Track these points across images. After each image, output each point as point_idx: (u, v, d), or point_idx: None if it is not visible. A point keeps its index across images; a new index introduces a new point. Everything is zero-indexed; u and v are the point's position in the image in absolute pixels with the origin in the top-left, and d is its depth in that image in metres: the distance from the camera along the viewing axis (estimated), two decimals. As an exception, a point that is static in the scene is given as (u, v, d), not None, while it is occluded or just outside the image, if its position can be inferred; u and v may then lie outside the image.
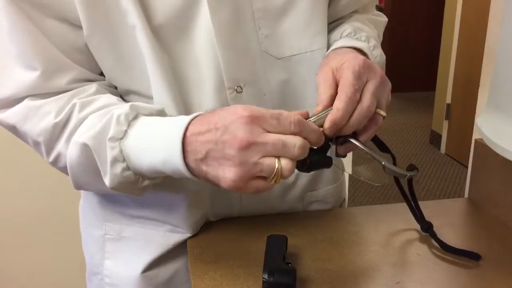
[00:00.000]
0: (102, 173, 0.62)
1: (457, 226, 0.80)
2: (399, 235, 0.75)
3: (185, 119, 0.58)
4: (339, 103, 0.58)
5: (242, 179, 0.53)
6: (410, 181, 0.71)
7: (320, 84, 0.62)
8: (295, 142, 0.53)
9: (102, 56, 0.66)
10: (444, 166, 3.43)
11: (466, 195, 0.90)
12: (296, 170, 0.57)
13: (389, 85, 0.64)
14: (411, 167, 0.69)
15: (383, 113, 0.62)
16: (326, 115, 0.58)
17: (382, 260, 0.69)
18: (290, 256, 0.69)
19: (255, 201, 0.77)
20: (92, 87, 0.67)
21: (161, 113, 0.64)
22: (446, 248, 0.71)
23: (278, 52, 0.71)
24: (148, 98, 0.67)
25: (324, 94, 0.60)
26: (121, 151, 0.60)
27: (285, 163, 0.53)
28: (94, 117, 0.63)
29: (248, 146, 0.52)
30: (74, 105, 0.64)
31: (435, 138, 3.77)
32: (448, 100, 3.56)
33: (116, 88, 0.70)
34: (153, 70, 0.65)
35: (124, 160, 0.60)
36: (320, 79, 0.62)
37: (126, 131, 0.60)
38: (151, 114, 0.63)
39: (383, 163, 0.62)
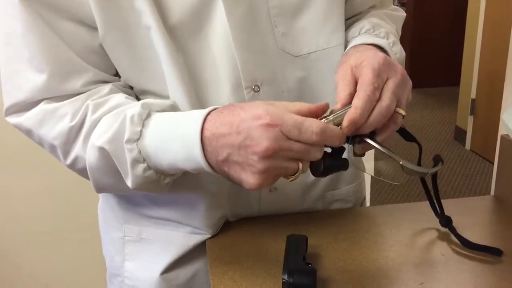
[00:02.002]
0: (123, 175, 0.62)
1: (482, 224, 0.78)
2: (422, 235, 0.74)
3: (200, 116, 0.57)
4: (358, 102, 0.57)
5: (265, 183, 0.55)
6: (434, 175, 0.69)
7: (338, 82, 0.61)
8: (316, 150, 0.55)
9: (118, 57, 0.66)
10: (469, 163, 3.36)
11: (492, 192, 0.88)
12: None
13: (409, 83, 0.62)
14: (437, 159, 0.67)
15: (402, 112, 0.60)
16: (345, 113, 0.57)
17: (405, 260, 0.67)
18: (310, 256, 0.68)
19: (274, 201, 0.76)
20: (106, 87, 0.67)
21: (173, 108, 0.64)
22: (466, 244, 0.69)
23: (295, 50, 0.70)
24: (165, 98, 0.67)
25: (343, 92, 0.59)
26: (139, 152, 0.60)
27: (305, 166, 0.55)
28: (108, 119, 0.63)
29: (273, 154, 0.53)
30: (87, 107, 0.64)
31: (460, 134, 3.69)
32: (473, 95, 3.49)
33: (132, 88, 0.70)
34: (169, 70, 0.64)
35: (144, 161, 0.60)
36: (339, 77, 0.61)
37: (141, 131, 0.60)
38: (163, 110, 0.63)
39: (401, 163, 0.60)
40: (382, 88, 0.59)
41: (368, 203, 0.90)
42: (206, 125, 0.57)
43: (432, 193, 0.72)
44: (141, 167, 0.60)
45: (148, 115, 0.61)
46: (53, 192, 1.72)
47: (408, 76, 0.62)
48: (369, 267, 0.66)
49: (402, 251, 0.69)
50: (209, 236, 0.73)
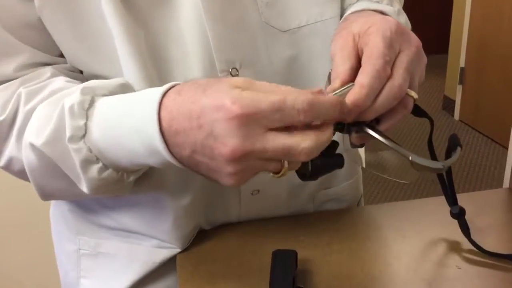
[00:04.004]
0: (74, 180, 0.49)
1: (496, 224, 0.67)
2: (432, 241, 0.62)
3: (154, 101, 0.44)
4: (364, 78, 0.44)
5: (242, 182, 0.43)
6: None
7: (336, 53, 0.48)
8: (299, 145, 0.40)
9: (60, 33, 0.53)
10: (458, 134, 3.28)
11: (505, 185, 0.77)
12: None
13: (424, 59, 0.50)
14: (453, 139, 0.55)
15: (414, 94, 0.48)
16: (345, 92, 0.45)
17: (413, 276, 0.56)
18: (301, 275, 0.56)
19: (257, 205, 0.64)
20: (46, 72, 0.54)
21: (124, 87, 0.51)
22: (478, 247, 0.59)
23: (283, 24, 0.57)
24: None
25: (343, 65, 0.46)
26: (89, 150, 0.47)
27: (293, 164, 0.43)
28: (42, 111, 0.50)
29: (243, 156, 0.40)
30: (19, 96, 0.51)
31: (448, 104, 3.60)
32: (462, 63, 3.38)
33: (81, 72, 0.57)
34: (124, 51, 0.51)
35: (97, 160, 0.48)
36: (337, 47, 0.48)
37: (86, 125, 0.47)
38: (111, 93, 0.50)
39: (410, 158, 0.47)
40: (394, 63, 0.46)
41: (363, 203, 0.78)
42: (162, 114, 0.43)
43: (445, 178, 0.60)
44: (95, 168, 0.48)
45: (92, 103, 0.48)
46: (24, 184, 1.58)
47: (423, 50, 0.49)
48: (371, 286, 0.55)
49: (410, 264, 0.58)
50: (179, 250, 0.61)
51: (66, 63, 0.56)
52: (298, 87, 0.59)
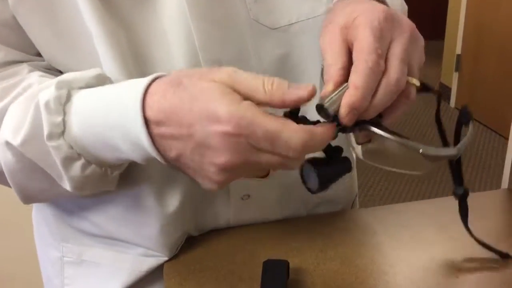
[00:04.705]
0: (56, 178, 0.47)
1: (496, 227, 0.65)
2: (430, 248, 0.60)
3: (136, 100, 0.41)
4: (358, 79, 0.41)
5: (224, 186, 0.43)
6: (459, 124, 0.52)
7: (326, 50, 0.45)
8: (295, 163, 0.41)
9: (35, 31, 0.50)
10: (454, 121, 3.22)
11: (505, 185, 0.75)
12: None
13: (420, 41, 0.46)
14: (464, 111, 0.51)
15: (415, 81, 0.45)
16: (341, 95, 0.42)
17: (411, 285, 0.54)
18: (293, 286, 0.54)
19: (247, 210, 0.61)
20: (22, 70, 0.51)
21: (100, 79, 0.48)
22: (471, 234, 0.57)
23: (272, 21, 0.54)
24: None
25: (334, 65, 0.43)
26: (70, 147, 0.45)
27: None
28: (17, 107, 0.47)
29: (234, 168, 0.40)
30: None
31: (444, 91, 3.58)
32: (458, 50, 3.36)
33: (60, 72, 0.54)
34: (104, 50, 0.49)
35: (79, 156, 0.46)
36: (325, 44, 0.45)
37: (64, 120, 0.45)
38: (87, 85, 0.47)
39: (421, 151, 0.43)
40: (387, 55, 0.43)
41: (358, 204, 0.76)
42: (147, 114, 0.41)
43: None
44: (77, 165, 0.46)
45: (68, 97, 0.46)
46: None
47: (418, 32, 0.46)
48: (367, 297, 0.52)
49: (407, 273, 0.56)
50: (166, 258, 0.58)
51: (43, 61, 0.53)
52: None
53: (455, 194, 0.56)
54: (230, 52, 0.52)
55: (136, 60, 0.50)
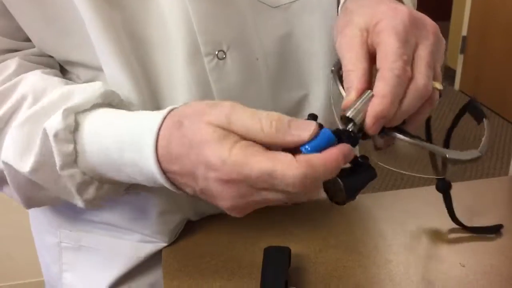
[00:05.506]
0: (70, 200, 0.47)
1: (498, 216, 0.63)
2: (434, 236, 0.59)
3: (151, 137, 0.41)
4: (385, 88, 0.39)
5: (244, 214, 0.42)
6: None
7: (344, 54, 0.42)
8: (303, 197, 0.39)
9: (24, 17, 0.48)
10: (458, 105, 3.22)
11: (510, 172, 0.73)
12: None
13: (443, 43, 0.44)
14: (472, 106, 0.51)
15: (438, 85, 0.43)
16: (365, 103, 0.40)
17: (415, 274, 0.53)
18: (295, 273, 0.53)
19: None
20: (12, 64, 0.49)
21: (105, 96, 0.46)
22: (459, 224, 0.57)
23: None
24: (98, 70, 0.49)
25: (355, 71, 0.41)
26: (83, 173, 0.44)
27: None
28: (18, 132, 0.45)
29: (241, 209, 0.40)
30: None
31: (449, 74, 3.53)
32: (464, 32, 3.30)
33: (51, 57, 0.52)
34: (98, 34, 0.46)
35: (93, 180, 0.45)
36: (343, 47, 0.43)
37: (74, 149, 0.44)
38: (94, 107, 0.45)
39: (447, 156, 0.42)
40: (413, 60, 0.41)
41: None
42: (159, 151, 0.41)
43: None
44: (92, 188, 0.45)
45: (77, 126, 0.44)
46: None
47: (440, 33, 0.44)
48: (370, 285, 0.51)
49: (411, 260, 0.55)
50: (165, 244, 0.57)
51: (33, 47, 0.51)
52: (292, 73, 0.55)
53: (436, 187, 0.57)
54: (230, 34, 0.50)
55: (132, 46, 0.48)
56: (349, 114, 0.40)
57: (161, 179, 0.41)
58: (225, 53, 0.50)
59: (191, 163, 0.38)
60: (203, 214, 0.60)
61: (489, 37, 3.05)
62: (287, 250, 0.51)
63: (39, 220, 0.64)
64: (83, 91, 0.46)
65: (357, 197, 0.44)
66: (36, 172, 0.44)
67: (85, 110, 0.45)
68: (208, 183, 0.38)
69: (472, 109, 0.52)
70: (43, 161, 0.44)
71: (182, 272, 0.54)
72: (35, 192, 0.48)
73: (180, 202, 0.56)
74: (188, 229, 0.60)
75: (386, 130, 0.42)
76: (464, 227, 0.58)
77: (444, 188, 0.57)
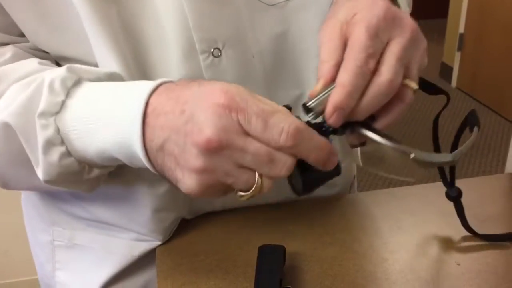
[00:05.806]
0: (32, 162, 0.45)
1: (498, 212, 0.63)
2: (430, 234, 0.59)
3: (147, 85, 0.41)
4: (344, 77, 0.40)
5: (205, 190, 0.39)
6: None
7: (322, 46, 0.43)
8: (285, 160, 0.38)
9: (17, 12, 0.47)
10: (455, 102, 3.23)
11: (509, 169, 0.73)
12: None
13: (423, 43, 0.44)
14: (472, 115, 0.50)
15: (413, 85, 0.43)
16: (330, 94, 0.40)
17: (410, 273, 0.52)
18: (290, 272, 0.52)
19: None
20: (7, 51, 0.49)
21: (113, 77, 0.46)
22: (473, 232, 0.56)
23: None
24: (93, 66, 0.49)
25: (328, 61, 0.41)
26: (57, 130, 0.43)
27: (267, 183, 0.39)
28: (16, 88, 0.45)
29: (217, 149, 0.37)
30: None
31: (446, 71, 3.53)
32: (461, 29, 3.30)
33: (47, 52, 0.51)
34: (94, 31, 0.46)
35: (62, 143, 0.43)
36: (323, 39, 0.43)
37: (63, 102, 0.43)
38: (98, 79, 0.45)
39: (412, 156, 0.42)
40: (382, 54, 0.41)
41: (356, 187, 0.74)
42: (151, 99, 0.40)
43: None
44: (56, 151, 0.44)
45: (77, 83, 0.44)
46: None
47: (421, 33, 0.44)
48: (365, 284, 0.51)
49: (406, 260, 0.54)
50: (159, 243, 0.57)
51: (28, 41, 0.51)
52: (288, 71, 0.55)
53: (448, 195, 0.56)
54: (225, 30, 0.50)
55: (127, 42, 0.47)
56: (310, 104, 0.40)
57: (138, 140, 0.40)
58: (220, 51, 0.49)
59: (189, 94, 0.39)
60: (198, 213, 0.60)
61: (486, 34, 3.05)
62: (282, 249, 0.51)
63: (32, 218, 0.64)
64: (89, 68, 0.46)
65: (315, 191, 0.44)
66: (16, 115, 0.43)
67: (89, 79, 0.45)
68: (196, 111, 0.37)
69: (471, 117, 0.51)
70: (27, 107, 0.43)
71: (176, 270, 0.53)
72: (5, 163, 0.47)
73: (175, 200, 0.55)
74: (182, 228, 0.59)
75: (356, 126, 0.42)
76: (476, 235, 0.56)
77: (454, 196, 0.55)
